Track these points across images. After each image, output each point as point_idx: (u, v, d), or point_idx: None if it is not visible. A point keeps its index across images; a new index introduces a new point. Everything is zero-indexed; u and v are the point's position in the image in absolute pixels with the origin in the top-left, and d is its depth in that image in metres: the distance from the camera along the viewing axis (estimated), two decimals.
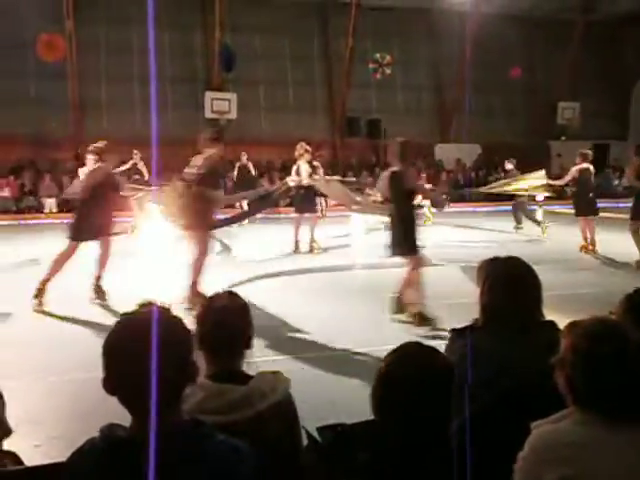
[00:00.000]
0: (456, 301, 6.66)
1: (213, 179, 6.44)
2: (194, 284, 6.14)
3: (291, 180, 9.66)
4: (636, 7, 19.97)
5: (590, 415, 1.49)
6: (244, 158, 15.39)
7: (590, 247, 9.91)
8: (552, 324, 2.21)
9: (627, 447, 1.44)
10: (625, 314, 2.12)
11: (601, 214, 10.46)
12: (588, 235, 9.96)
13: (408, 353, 1.54)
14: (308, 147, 9.89)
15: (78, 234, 6.58)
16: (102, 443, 1.34)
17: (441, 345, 2.19)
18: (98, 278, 6.76)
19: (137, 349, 1.30)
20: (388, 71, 19.10)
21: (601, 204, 10.72)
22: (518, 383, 2.04)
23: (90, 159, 11.18)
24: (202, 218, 6.27)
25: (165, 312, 1.40)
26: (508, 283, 2.21)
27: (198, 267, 6.20)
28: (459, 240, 11.77)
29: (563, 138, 22.17)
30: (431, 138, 21.27)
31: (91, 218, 6.58)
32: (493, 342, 2.16)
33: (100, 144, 7.05)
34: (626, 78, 23.21)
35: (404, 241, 5.83)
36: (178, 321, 1.41)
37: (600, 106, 22.50)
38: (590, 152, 10.11)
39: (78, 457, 1.38)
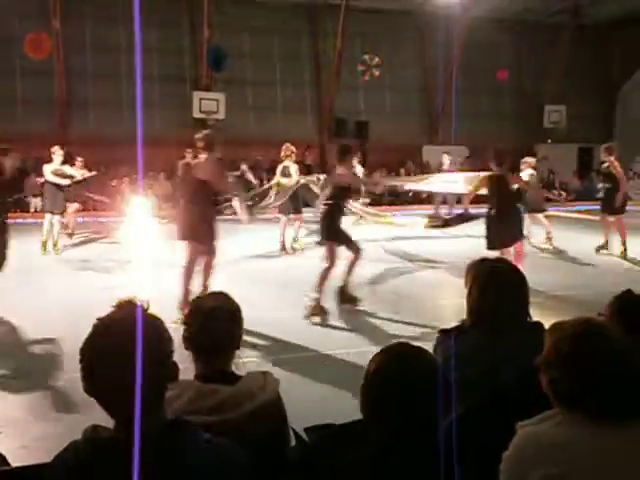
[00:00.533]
0: (446, 301, 6.73)
1: (346, 192, 6.45)
2: (317, 297, 6.15)
3: (286, 180, 9.66)
4: (624, 12, 20.19)
5: (573, 416, 1.50)
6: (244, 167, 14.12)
7: (547, 240, 10.69)
8: (539, 325, 2.22)
9: (610, 448, 1.45)
10: (614, 315, 2.14)
11: (586, 216, 10.79)
12: (545, 230, 10.73)
13: (396, 353, 1.54)
14: (294, 148, 9.90)
15: (181, 235, 6.07)
16: (85, 445, 1.33)
17: (431, 345, 2.20)
18: (205, 288, 5.95)
19: (115, 352, 1.29)
20: (377, 72, 19.14)
21: (585, 207, 10.97)
22: (505, 384, 2.05)
23: (58, 155, 10.54)
24: (332, 231, 6.29)
25: (143, 312, 1.38)
26: (495, 284, 2.22)
27: (324, 277, 6.19)
28: (448, 240, 11.82)
29: (549, 141, 22.34)
30: (419, 140, 21.34)
31: (193, 218, 5.91)
32: (480, 343, 2.18)
33: (209, 132, 6.34)
34: (613, 82, 23.45)
35: (513, 232, 6.87)
36: (156, 321, 1.39)
37: (586, 109, 22.70)
38: (534, 159, 11.56)
39: (61, 459, 1.36)
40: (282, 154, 9.85)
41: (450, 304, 6.49)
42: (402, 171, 20.39)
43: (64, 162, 10.61)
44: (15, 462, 2.26)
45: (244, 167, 14.67)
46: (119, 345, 1.30)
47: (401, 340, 1.63)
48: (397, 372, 1.49)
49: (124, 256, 9.29)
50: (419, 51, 21.71)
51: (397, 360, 1.52)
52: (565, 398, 1.52)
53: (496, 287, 2.21)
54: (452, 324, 2.35)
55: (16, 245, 11.06)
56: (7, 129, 16.94)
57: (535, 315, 2.27)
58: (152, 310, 1.39)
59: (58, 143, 17.92)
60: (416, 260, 9.64)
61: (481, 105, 21.73)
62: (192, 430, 1.38)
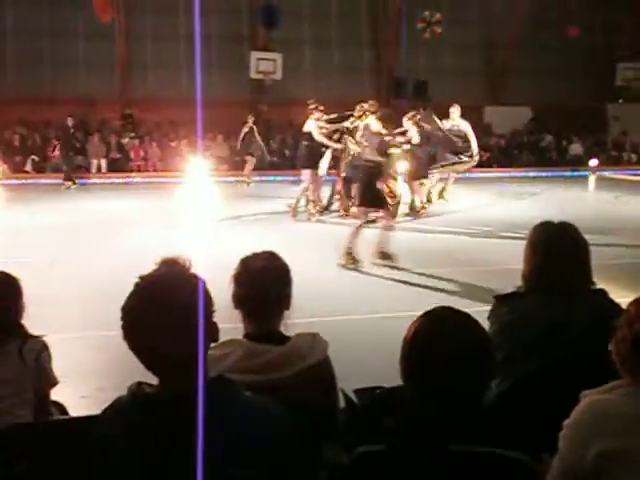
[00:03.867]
0: (513, 267, 6.55)
1: None
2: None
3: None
4: None
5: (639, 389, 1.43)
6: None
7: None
8: (602, 292, 2.12)
9: None
10: None
11: None
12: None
13: (438, 317, 1.48)
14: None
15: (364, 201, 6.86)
16: (129, 401, 1.35)
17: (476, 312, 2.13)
18: (381, 248, 6.93)
19: (155, 312, 1.29)
20: (438, 30, 18.43)
21: None
22: (563, 351, 1.98)
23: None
24: None
25: (185, 271, 1.37)
26: (550, 248, 2.12)
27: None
28: (503, 205, 11.53)
29: (621, 101, 21.18)
30: (480, 100, 20.63)
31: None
32: (535, 309, 2.10)
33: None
34: None
35: None
36: (198, 280, 1.36)
37: None
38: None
39: (106, 415, 1.39)
40: (365, 110, 9.57)
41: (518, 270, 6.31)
42: None
43: None
44: (75, 412, 2.37)
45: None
46: (159, 304, 1.29)
47: (453, 305, 1.55)
48: (434, 336, 1.42)
49: (179, 216, 9.47)
50: (481, 6, 20.78)
51: (435, 324, 1.46)
52: (635, 370, 1.46)
53: (550, 250, 2.11)
54: (508, 290, 2.27)
55: (80, 204, 11.47)
56: (71, 91, 17.42)
57: (602, 284, 2.15)
58: (197, 270, 1.38)
59: (118, 105, 18.25)
60: (486, 225, 9.43)
61: (547, 62, 20.72)
62: (233, 389, 1.38)
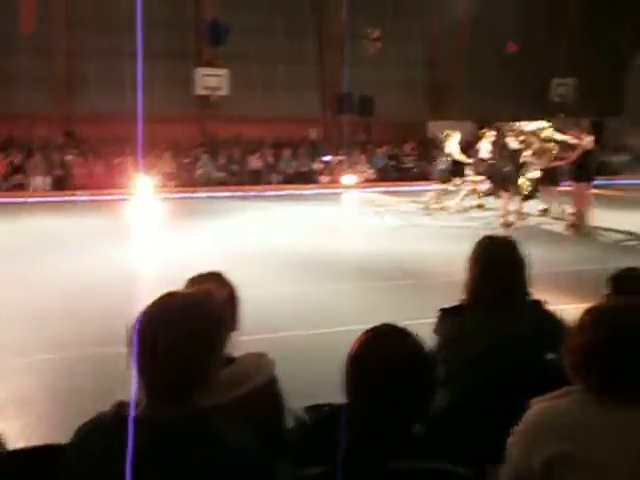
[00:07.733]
0: (451, 279, 6.69)
1: None
2: None
3: None
4: None
5: (591, 395, 1.46)
6: None
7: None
8: (538, 303, 2.19)
9: (624, 428, 1.41)
10: (614, 295, 2.11)
11: (595, 191, 10.84)
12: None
13: (378, 335, 1.51)
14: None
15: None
16: (111, 420, 1.33)
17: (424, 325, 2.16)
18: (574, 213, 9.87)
19: (166, 332, 1.31)
20: (379, 45, 18.82)
21: (597, 181, 10.90)
22: (507, 362, 2.03)
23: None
24: None
25: (196, 297, 1.45)
26: (491, 263, 2.19)
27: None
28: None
29: (562, 115, 21.98)
30: (424, 115, 21.08)
31: None
32: (480, 322, 2.15)
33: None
34: (622, 53, 22.99)
35: None
36: (210, 306, 1.45)
37: (595, 82, 22.29)
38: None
39: (86, 432, 1.37)
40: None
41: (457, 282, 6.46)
42: (406, 147, 20.22)
43: None
44: (14, 444, 2.26)
45: None
46: (170, 327, 1.32)
47: (397, 321, 1.57)
48: (377, 354, 1.45)
49: (124, 234, 9.28)
50: (424, 22, 21.33)
51: (378, 342, 1.48)
52: (589, 380, 1.48)
53: (491, 266, 2.18)
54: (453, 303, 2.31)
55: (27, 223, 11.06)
56: (10, 108, 16.88)
57: (541, 293, 2.22)
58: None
59: (60, 123, 17.72)
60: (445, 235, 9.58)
61: (487, 78, 21.38)
62: (212, 424, 1.37)
